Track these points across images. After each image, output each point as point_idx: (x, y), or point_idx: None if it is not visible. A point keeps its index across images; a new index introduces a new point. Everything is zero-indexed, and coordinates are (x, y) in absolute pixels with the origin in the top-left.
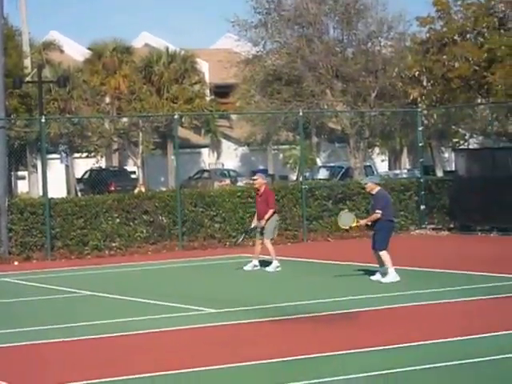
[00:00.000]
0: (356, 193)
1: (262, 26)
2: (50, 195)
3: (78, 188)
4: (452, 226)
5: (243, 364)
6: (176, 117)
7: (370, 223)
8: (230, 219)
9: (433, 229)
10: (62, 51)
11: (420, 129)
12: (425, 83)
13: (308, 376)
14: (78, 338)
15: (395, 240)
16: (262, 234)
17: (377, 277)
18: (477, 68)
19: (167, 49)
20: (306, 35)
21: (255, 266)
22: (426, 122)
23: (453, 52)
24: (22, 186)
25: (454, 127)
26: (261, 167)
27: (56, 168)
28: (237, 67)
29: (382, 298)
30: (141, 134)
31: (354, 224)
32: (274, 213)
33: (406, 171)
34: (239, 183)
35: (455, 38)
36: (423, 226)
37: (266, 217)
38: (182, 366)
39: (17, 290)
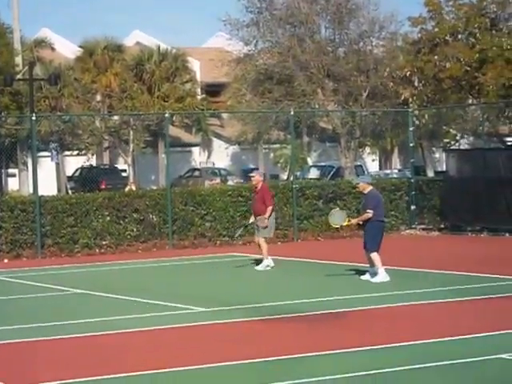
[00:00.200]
0: (347, 192)
1: (253, 25)
2: (40, 193)
3: (68, 186)
4: (442, 226)
5: (229, 363)
6: (167, 115)
7: (361, 222)
8: (221, 218)
9: (423, 229)
10: (53, 49)
11: (411, 129)
12: (416, 83)
13: (294, 376)
14: (67, 336)
15: (385, 240)
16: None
17: (366, 276)
18: (468, 68)
19: (158, 47)
20: (297, 34)
21: (272, 264)
22: (417, 122)
23: (444, 52)
24: (13, 184)
25: (445, 127)
26: (251, 166)
27: (46, 166)
28: (228, 66)
29: (371, 298)
30: (132, 133)
31: (346, 223)
32: (272, 210)
33: (396, 171)
34: (229, 182)
35: (447, 38)
36: (413, 226)
37: (267, 215)
38: (167, 365)
39: (6, 288)
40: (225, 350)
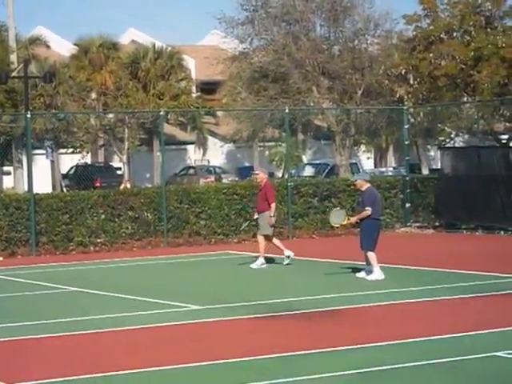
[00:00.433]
0: (341, 190)
1: (248, 23)
2: (35, 191)
3: (63, 184)
4: (437, 224)
5: (224, 361)
6: (162, 113)
7: (359, 221)
8: (216, 216)
9: (418, 227)
10: (48, 47)
11: (406, 127)
12: (411, 81)
13: (289, 374)
14: (61, 334)
15: (380, 238)
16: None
17: (362, 274)
18: (463, 66)
19: (154, 45)
20: (292, 32)
21: (288, 256)
22: (411, 120)
23: (439, 50)
24: (8, 182)
25: (439, 125)
26: (247, 164)
27: (41, 163)
28: (223, 64)
29: (366, 296)
30: (127, 130)
31: (345, 222)
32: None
33: (391, 169)
34: (224, 180)
35: (442, 36)
36: (408, 223)
37: (272, 213)
38: (163, 362)
39: (1, 286)
40: (219, 348)
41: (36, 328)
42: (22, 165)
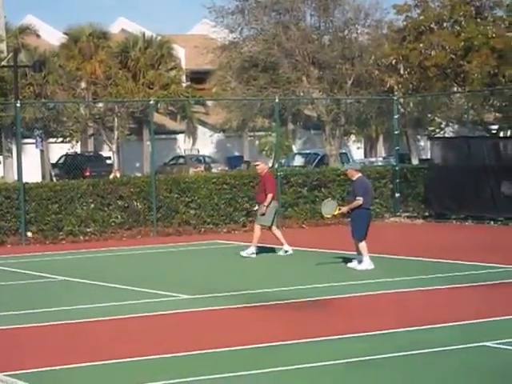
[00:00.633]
0: (331, 180)
1: (238, 13)
2: (24, 180)
3: (52, 173)
4: (427, 214)
5: (213, 350)
6: (152, 102)
7: (350, 210)
8: (205, 205)
9: (407, 217)
10: (38, 36)
11: (396, 117)
12: (401, 71)
13: (279, 363)
14: (51, 324)
15: (370, 228)
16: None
17: (353, 264)
18: (453, 56)
19: (143, 34)
20: (282, 22)
21: (286, 251)
22: (401, 110)
23: (429, 40)
24: None
25: (429, 115)
26: (236, 154)
27: (31, 153)
28: (213, 53)
29: (355, 286)
30: (116, 120)
31: (337, 212)
32: (273, 198)
33: (381, 159)
34: (214, 170)
35: (432, 26)
36: (398, 213)
37: (266, 203)
38: (151, 351)
39: None
40: (209, 337)
41: (24, 317)
42: (11, 154)
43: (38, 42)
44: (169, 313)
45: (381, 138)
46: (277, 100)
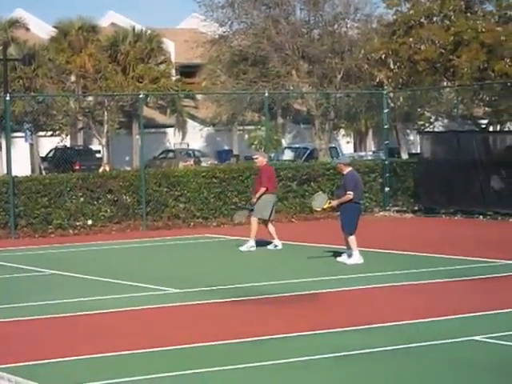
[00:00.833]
0: (321, 174)
1: (228, 7)
2: (14, 173)
3: (42, 166)
4: (416, 208)
5: (201, 344)
6: (141, 96)
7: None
8: (195, 199)
9: (397, 211)
10: (27, 29)
11: (385, 111)
12: (391, 65)
13: (267, 357)
14: (43, 317)
15: (359, 222)
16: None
17: (342, 258)
18: (443, 51)
19: (133, 28)
20: (272, 16)
21: (275, 246)
22: (391, 104)
23: (419, 35)
24: None
25: (419, 110)
26: (226, 148)
27: (20, 146)
28: (203, 47)
29: (344, 280)
30: (106, 113)
31: (327, 205)
32: (267, 191)
33: (371, 153)
34: (203, 163)
35: (422, 20)
36: (387, 208)
37: (257, 195)
38: (139, 346)
39: None
40: (197, 331)
41: (11, 311)
42: (0, 148)
43: (27, 36)
44: (157, 307)
45: (370, 133)
46: (266, 94)
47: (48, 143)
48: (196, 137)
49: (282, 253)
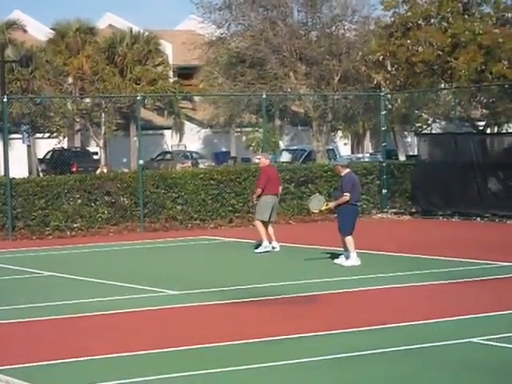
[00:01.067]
0: (318, 176)
1: (226, 8)
2: (11, 175)
3: (39, 168)
4: (414, 210)
5: (200, 346)
6: (139, 98)
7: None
8: (192, 201)
9: (394, 213)
10: (25, 31)
11: (383, 113)
12: (388, 67)
13: (263, 359)
14: (41, 319)
15: (357, 224)
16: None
17: (340, 260)
18: (440, 53)
19: (131, 30)
20: (270, 18)
21: (273, 247)
22: (389, 106)
23: (417, 36)
24: None
25: (417, 112)
26: (223, 149)
27: (18, 148)
28: (200, 49)
29: (342, 282)
30: (103, 115)
31: (324, 207)
32: (264, 192)
33: (368, 155)
34: (201, 165)
35: (419, 22)
36: (385, 210)
37: (254, 196)
38: (138, 347)
39: None
40: (196, 333)
41: (9, 312)
42: None
43: (24, 37)
44: (155, 308)
45: (368, 134)
46: (264, 96)
47: (45, 145)
48: (193, 139)
49: (280, 255)
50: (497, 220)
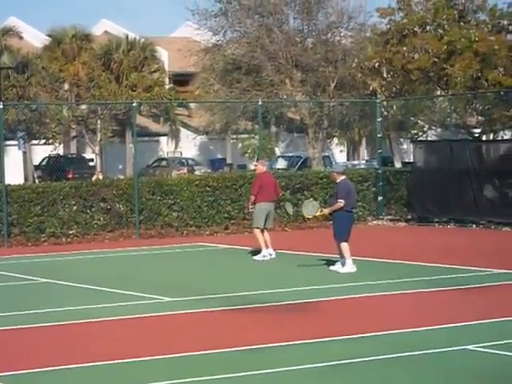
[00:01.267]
0: (314, 183)
1: (222, 15)
2: (7, 182)
3: (35, 175)
4: (409, 217)
5: (195, 353)
6: (135, 105)
7: (332, 212)
8: (188, 208)
9: (390, 220)
10: (21, 37)
11: (379, 120)
12: (384, 74)
13: (262, 366)
14: (36, 325)
15: (352, 231)
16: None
17: (336, 267)
18: (436, 60)
19: (127, 36)
20: (266, 25)
21: (267, 256)
22: (384, 113)
23: (413, 43)
24: None
25: (412, 119)
26: (219, 156)
27: (14, 154)
28: (196, 56)
29: (338, 289)
30: (99, 122)
31: (318, 213)
32: (258, 199)
33: (364, 162)
34: (197, 172)
35: (415, 29)
36: (381, 216)
37: (249, 204)
38: (133, 354)
39: None
40: (189, 340)
41: (5, 320)
42: None
43: (20, 44)
44: (150, 315)
45: (364, 141)
46: (260, 103)
47: (41, 151)
48: (189, 145)
49: (276, 261)
50: (492, 227)
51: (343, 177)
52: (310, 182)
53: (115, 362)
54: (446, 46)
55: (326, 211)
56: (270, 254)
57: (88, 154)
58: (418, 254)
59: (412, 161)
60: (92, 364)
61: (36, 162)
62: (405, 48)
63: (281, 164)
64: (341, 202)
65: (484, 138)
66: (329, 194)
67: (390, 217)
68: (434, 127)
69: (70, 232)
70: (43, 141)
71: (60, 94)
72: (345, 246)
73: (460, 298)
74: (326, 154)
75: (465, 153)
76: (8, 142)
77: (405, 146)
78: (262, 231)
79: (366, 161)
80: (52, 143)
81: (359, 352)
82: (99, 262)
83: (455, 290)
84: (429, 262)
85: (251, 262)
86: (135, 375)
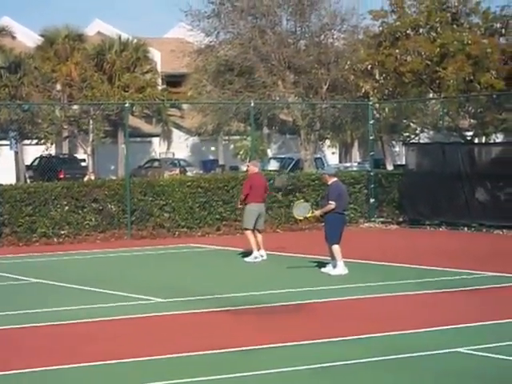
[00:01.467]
0: (306, 184)
1: (215, 16)
2: None
3: (27, 175)
4: (401, 219)
5: (185, 354)
6: (127, 105)
7: (323, 214)
8: (180, 209)
9: (382, 222)
10: (13, 37)
11: (371, 122)
12: (377, 77)
13: (252, 367)
14: (24, 326)
15: (344, 233)
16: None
17: (327, 269)
18: (429, 63)
19: (119, 37)
20: (258, 26)
21: (259, 258)
22: (377, 115)
23: (405, 46)
24: None
25: (405, 121)
26: (211, 157)
27: (5, 154)
28: (189, 57)
29: (329, 291)
30: (91, 122)
31: (309, 214)
32: (248, 199)
33: (356, 164)
34: (189, 173)
35: (408, 32)
36: (372, 219)
37: (238, 204)
38: (124, 355)
39: None
40: (179, 341)
41: (3, 319)
42: None
43: (13, 44)
44: (141, 316)
45: (356, 144)
46: (252, 104)
47: (33, 151)
48: (181, 146)
49: (267, 263)
50: (484, 230)
51: (335, 179)
52: (301, 184)
53: (110, 362)
54: (438, 49)
55: (317, 213)
56: (262, 256)
57: (80, 155)
58: (409, 256)
59: (404, 163)
60: (84, 364)
61: (28, 162)
62: (397, 50)
63: (273, 165)
64: (331, 204)
65: (476, 140)
66: (321, 195)
67: (381, 219)
68: (426, 130)
69: (62, 232)
70: (35, 141)
71: (52, 94)
72: (336, 248)
73: (452, 301)
74: (318, 156)
75: (457, 156)
76: (0, 142)
77: (397, 149)
78: (254, 232)
79: (358, 163)
80: (44, 143)
81: (350, 354)
82: (91, 263)
83: (447, 292)
84: (420, 265)
85: (242, 264)
86: (123, 376)
